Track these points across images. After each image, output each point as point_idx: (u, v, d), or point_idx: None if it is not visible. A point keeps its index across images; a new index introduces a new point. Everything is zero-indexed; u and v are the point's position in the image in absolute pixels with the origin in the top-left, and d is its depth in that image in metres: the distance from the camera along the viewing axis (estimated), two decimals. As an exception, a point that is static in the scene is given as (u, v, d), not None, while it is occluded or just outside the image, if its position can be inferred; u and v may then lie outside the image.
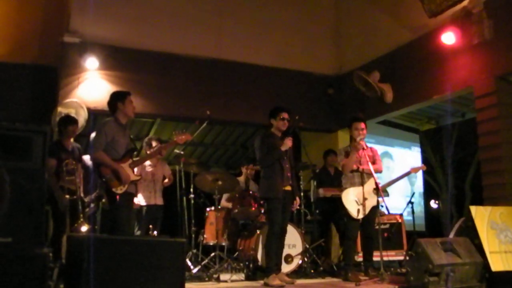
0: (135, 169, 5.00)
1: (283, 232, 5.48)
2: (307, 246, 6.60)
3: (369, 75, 7.91)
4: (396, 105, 8.06)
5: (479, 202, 6.38)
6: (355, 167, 5.75)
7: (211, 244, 6.66)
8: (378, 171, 5.88)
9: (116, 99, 5.01)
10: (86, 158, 5.68)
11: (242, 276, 5.96)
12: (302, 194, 6.89)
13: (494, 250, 4.98)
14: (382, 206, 5.61)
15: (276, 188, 5.35)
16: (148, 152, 6.65)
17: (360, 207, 5.55)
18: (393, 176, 6.55)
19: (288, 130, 5.62)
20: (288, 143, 5.43)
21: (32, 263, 3.04)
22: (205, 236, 6.75)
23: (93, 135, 4.85)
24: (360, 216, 5.56)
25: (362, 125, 5.81)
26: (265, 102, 7.79)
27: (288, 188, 5.47)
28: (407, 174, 6.17)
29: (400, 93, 7.89)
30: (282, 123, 5.52)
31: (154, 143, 6.70)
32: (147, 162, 6.59)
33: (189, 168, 6.67)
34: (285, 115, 5.56)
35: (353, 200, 5.65)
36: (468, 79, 6.73)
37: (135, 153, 5.19)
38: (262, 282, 5.31)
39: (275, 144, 5.46)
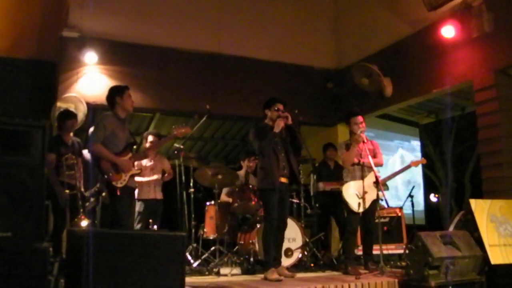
0: (135, 163, 5.00)
1: (283, 225, 5.40)
2: (307, 239, 6.61)
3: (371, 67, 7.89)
4: (395, 99, 8.06)
5: (479, 195, 6.39)
6: (356, 160, 5.74)
7: (211, 238, 6.69)
8: (379, 164, 5.88)
9: (114, 93, 5.00)
10: (86, 152, 5.68)
11: (242, 270, 5.97)
12: (302, 188, 6.91)
13: (493, 243, 4.99)
14: (382, 200, 5.61)
15: (272, 179, 5.25)
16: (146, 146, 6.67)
17: (361, 201, 5.55)
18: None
19: (290, 126, 5.54)
20: (280, 123, 5.32)
21: (32, 257, 3.05)
22: (205, 230, 6.77)
23: (91, 129, 4.85)
24: (361, 209, 5.56)
25: (360, 118, 5.81)
26: (265, 96, 7.72)
27: (284, 180, 5.37)
28: (407, 167, 6.17)
29: (399, 86, 7.88)
30: (276, 115, 5.43)
31: (150, 138, 6.69)
32: (146, 157, 6.60)
33: (189, 162, 6.67)
34: (280, 106, 5.46)
35: (353, 193, 5.65)
36: (468, 73, 6.73)
37: (134, 147, 5.19)
38: (261, 276, 5.31)
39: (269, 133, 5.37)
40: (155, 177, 6.56)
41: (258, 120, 5.65)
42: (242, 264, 6.11)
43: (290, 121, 5.37)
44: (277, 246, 5.41)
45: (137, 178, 5.22)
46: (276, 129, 5.33)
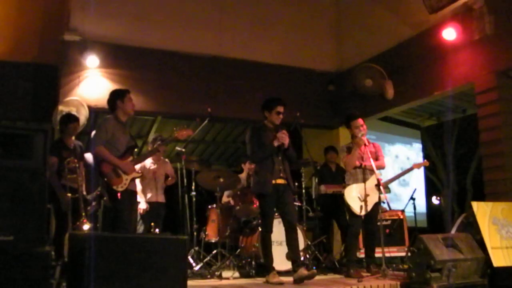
0: (136, 167, 5.01)
1: (290, 226, 5.22)
2: (309, 242, 6.59)
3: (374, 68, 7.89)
4: (397, 101, 8.06)
5: (481, 198, 6.38)
6: (357, 163, 5.73)
7: (213, 241, 6.68)
8: (381, 167, 5.86)
9: (115, 97, 5.02)
10: (88, 156, 5.68)
11: (243, 273, 5.96)
12: (303, 191, 6.91)
13: (495, 246, 4.99)
14: (384, 203, 5.60)
15: (265, 183, 5.15)
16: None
17: (363, 204, 5.54)
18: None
19: (289, 128, 5.52)
20: (281, 137, 5.15)
21: (34, 261, 3.05)
22: (207, 233, 6.77)
23: (93, 132, 4.86)
24: (363, 212, 5.55)
25: (360, 121, 5.81)
26: (266, 99, 7.79)
27: (281, 181, 5.24)
28: (409, 170, 6.16)
29: (401, 89, 7.88)
30: (276, 117, 5.29)
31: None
32: (149, 160, 6.60)
33: (191, 165, 6.66)
34: (280, 109, 5.29)
35: (356, 196, 5.64)
36: (469, 75, 6.73)
37: (135, 150, 5.19)
38: (263, 279, 5.30)
39: (268, 137, 5.26)
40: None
41: (260, 123, 5.60)
42: (244, 267, 6.11)
43: (286, 146, 5.22)
44: (291, 248, 5.20)
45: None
46: (276, 143, 5.18)
